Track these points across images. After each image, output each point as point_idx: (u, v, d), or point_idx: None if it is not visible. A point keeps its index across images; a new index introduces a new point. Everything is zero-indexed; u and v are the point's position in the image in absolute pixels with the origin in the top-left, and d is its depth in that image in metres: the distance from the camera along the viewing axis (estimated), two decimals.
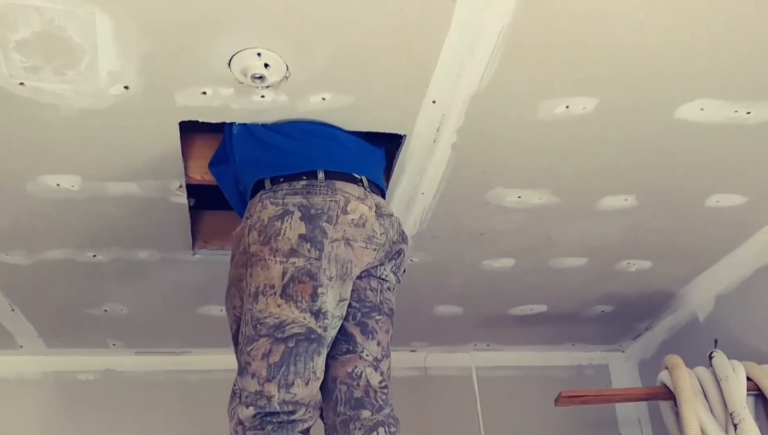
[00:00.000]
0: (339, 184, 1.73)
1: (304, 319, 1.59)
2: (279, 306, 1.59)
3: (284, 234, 1.64)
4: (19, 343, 2.91)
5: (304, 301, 1.60)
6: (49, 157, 1.89)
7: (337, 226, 1.68)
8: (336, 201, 1.70)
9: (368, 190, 1.78)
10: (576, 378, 3.35)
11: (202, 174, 2.03)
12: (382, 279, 1.81)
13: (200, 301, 2.70)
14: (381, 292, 1.79)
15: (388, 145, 1.97)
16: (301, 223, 1.66)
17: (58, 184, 1.98)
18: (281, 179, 1.74)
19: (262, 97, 1.73)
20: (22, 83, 1.63)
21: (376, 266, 1.79)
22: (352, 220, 1.70)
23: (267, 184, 1.75)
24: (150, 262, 2.40)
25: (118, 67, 1.61)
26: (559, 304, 2.94)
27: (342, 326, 1.70)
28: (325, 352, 1.63)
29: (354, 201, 1.72)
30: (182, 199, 2.09)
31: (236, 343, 1.68)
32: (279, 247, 1.63)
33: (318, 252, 1.63)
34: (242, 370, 1.58)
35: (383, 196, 1.88)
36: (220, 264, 2.39)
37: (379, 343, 1.74)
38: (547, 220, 2.32)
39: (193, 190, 2.11)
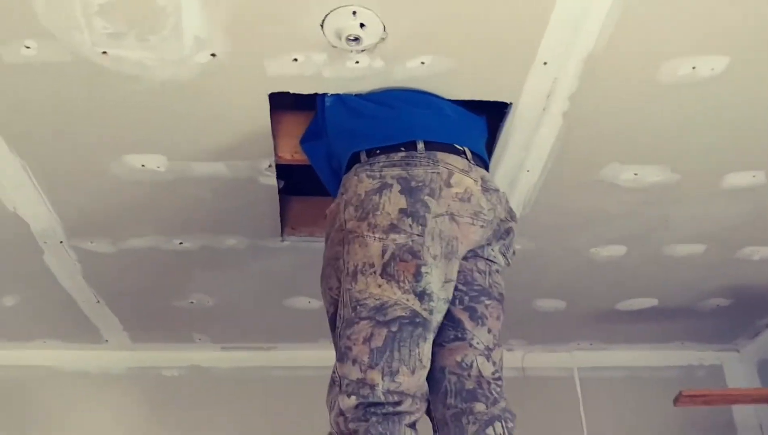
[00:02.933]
0: (441, 155, 1.58)
1: (407, 300, 1.45)
2: (380, 286, 1.46)
3: (383, 208, 1.50)
4: (104, 337, 2.87)
5: (406, 281, 1.45)
6: (134, 135, 1.80)
7: (441, 200, 1.52)
8: (438, 173, 1.55)
9: (472, 162, 1.63)
10: (686, 380, 3.07)
11: (292, 153, 1.91)
12: (490, 260, 1.64)
13: (287, 292, 2.59)
14: (489, 274, 1.63)
15: (490, 115, 1.80)
16: (401, 196, 1.51)
17: (143, 165, 1.90)
18: (378, 151, 1.60)
19: (357, 63, 1.60)
20: (104, 52, 1.54)
21: (483, 246, 1.63)
22: (457, 193, 1.55)
23: (363, 156, 1.61)
24: (238, 250, 2.30)
25: (205, 32, 1.51)
26: (670, 298, 2.69)
27: (448, 311, 1.55)
28: (431, 338, 1.48)
29: (458, 173, 1.57)
30: (271, 180, 1.98)
31: (333, 328, 1.55)
32: (378, 222, 1.49)
33: (420, 227, 1.49)
34: (342, 356, 1.45)
35: (487, 170, 1.71)
36: (309, 252, 2.29)
37: (489, 331, 1.57)
38: (665, 200, 2.10)
39: (281, 172, 1.99)
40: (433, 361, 1.50)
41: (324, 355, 3.01)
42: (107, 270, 2.38)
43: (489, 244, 1.64)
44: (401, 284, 1.45)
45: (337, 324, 1.51)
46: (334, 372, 1.46)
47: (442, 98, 1.71)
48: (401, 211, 1.50)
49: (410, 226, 1.48)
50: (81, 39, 1.51)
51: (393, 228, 1.49)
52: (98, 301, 2.58)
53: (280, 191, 2.05)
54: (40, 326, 2.78)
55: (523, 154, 1.92)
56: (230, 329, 2.87)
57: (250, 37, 1.52)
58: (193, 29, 1.50)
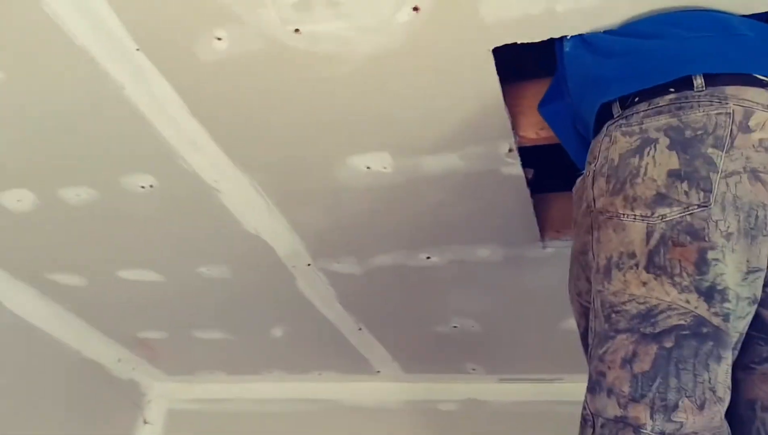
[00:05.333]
0: (731, 89, 1.10)
1: (688, 302, 1.01)
2: (645, 284, 1.04)
3: (645, 174, 1.08)
4: (375, 368, 2.70)
5: (684, 275, 1.02)
6: (349, 131, 1.57)
7: (734, 152, 1.05)
8: (728, 113, 1.07)
9: None
10: None
11: (536, 130, 1.54)
12: None
13: (561, 313, 2.16)
14: None
15: None
16: (670, 153, 1.07)
17: (368, 167, 1.66)
18: (636, 98, 1.17)
19: None
20: (296, 30, 1.34)
21: None
22: (761, 140, 1.06)
23: (615, 108, 1.19)
24: (493, 262, 1.96)
25: None
26: None
27: (757, 316, 1.06)
28: (729, 356, 1.02)
29: (761, 112, 1.08)
30: (515, 168, 1.62)
31: (586, 348, 1.14)
32: (638, 193, 1.07)
33: (702, 194, 1.03)
34: (594, 385, 1.05)
35: None
36: None
37: None
38: None
39: (528, 160, 1.63)
40: (735, 391, 1.04)
41: None
42: (361, 293, 2.20)
43: None
44: (677, 279, 1.02)
45: (588, 342, 1.10)
46: (584, 407, 1.07)
47: (734, 15, 1.22)
48: (671, 173, 1.06)
49: (686, 193, 1.04)
50: (268, 17, 1.32)
51: (660, 199, 1.05)
52: (360, 329, 2.41)
53: (531, 184, 1.68)
54: (312, 357, 2.70)
55: None
56: (505, 358, 2.51)
57: None
58: None
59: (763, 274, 1.05)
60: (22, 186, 1.88)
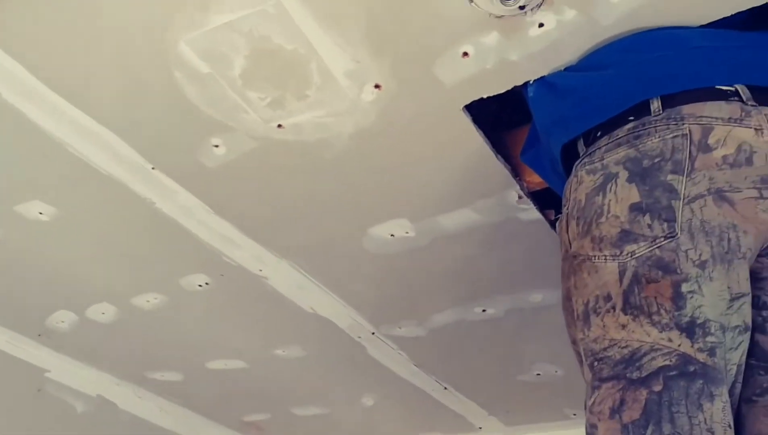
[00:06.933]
0: (689, 108, 1.06)
1: (671, 340, 0.96)
2: (624, 327, 0.99)
3: (608, 211, 1.04)
4: (476, 425, 2.65)
5: (663, 312, 0.97)
6: (361, 205, 1.62)
7: (695, 174, 1.00)
8: (684, 134, 1.02)
9: (750, 102, 1.04)
10: None
11: None
12: None
13: None
14: None
15: None
16: (630, 186, 1.03)
17: (392, 235, 1.69)
18: (598, 133, 1.14)
19: (540, 26, 1.18)
20: (279, 125, 1.41)
21: None
22: (724, 157, 1.01)
23: (580, 146, 1.17)
24: (550, 306, 1.90)
25: (351, 62, 1.27)
26: None
27: (755, 343, 0.98)
28: (724, 392, 0.95)
29: (720, 127, 1.02)
30: (533, 213, 1.59)
31: None
32: (604, 233, 1.04)
33: (666, 225, 0.99)
34: None
35: None
36: None
37: None
38: None
39: (546, 201, 1.59)
40: (740, 426, 0.95)
41: None
42: (432, 353, 2.19)
43: None
44: (656, 318, 0.97)
45: None
46: None
47: (691, 27, 1.16)
48: (633, 207, 1.02)
49: (649, 226, 1.00)
50: (251, 119, 1.40)
51: (626, 236, 1.01)
52: (445, 388, 2.39)
53: (555, 224, 1.63)
54: (411, 421, 2.69)
55: None
56: None
57: (400, 47, 1.24)
58: (338, 64, 1.27)
59: (748, 299, 0.97)
60: (102, 300, 2.05)
